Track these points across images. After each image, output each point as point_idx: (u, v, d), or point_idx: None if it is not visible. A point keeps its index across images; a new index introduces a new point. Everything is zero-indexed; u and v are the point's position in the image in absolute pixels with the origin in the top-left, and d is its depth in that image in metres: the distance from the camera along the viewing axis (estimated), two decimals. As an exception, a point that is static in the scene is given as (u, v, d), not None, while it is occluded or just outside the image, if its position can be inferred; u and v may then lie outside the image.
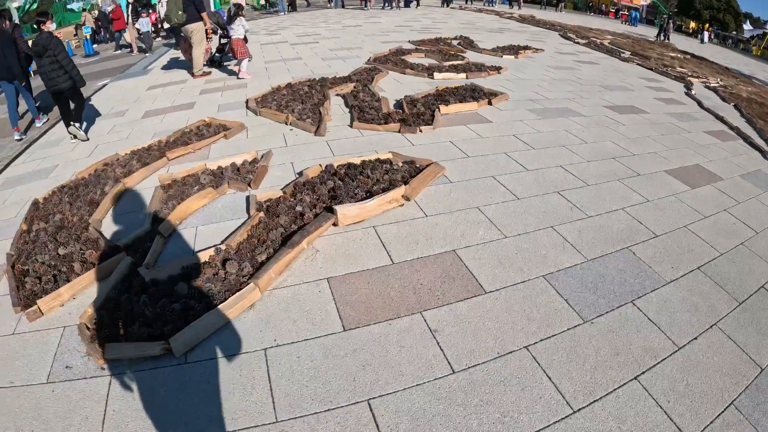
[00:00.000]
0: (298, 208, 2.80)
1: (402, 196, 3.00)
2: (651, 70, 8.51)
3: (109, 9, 13.64)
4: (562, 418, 1.64)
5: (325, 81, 6.00)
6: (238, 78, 6.75)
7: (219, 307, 2.02)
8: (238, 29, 6.38)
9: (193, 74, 7.15)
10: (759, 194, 3.67)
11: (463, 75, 6.57)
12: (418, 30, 11.96)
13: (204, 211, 2.96)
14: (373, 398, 1.69)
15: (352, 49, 9.01)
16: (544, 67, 7.77)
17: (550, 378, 1.80)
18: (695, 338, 2.07)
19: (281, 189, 3.12)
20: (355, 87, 5.73)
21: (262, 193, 3.03)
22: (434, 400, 1.68)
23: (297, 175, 3.42)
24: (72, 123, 4.68)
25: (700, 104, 6.31)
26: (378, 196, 2.89)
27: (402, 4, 19.36)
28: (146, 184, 3.41)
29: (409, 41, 9.73)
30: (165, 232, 2.68)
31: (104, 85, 7.47)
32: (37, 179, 3.88)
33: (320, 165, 3.39)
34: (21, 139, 5.23)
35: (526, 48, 9.26)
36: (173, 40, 10.46)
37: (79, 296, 2.25)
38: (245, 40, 6.57)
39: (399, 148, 3.91)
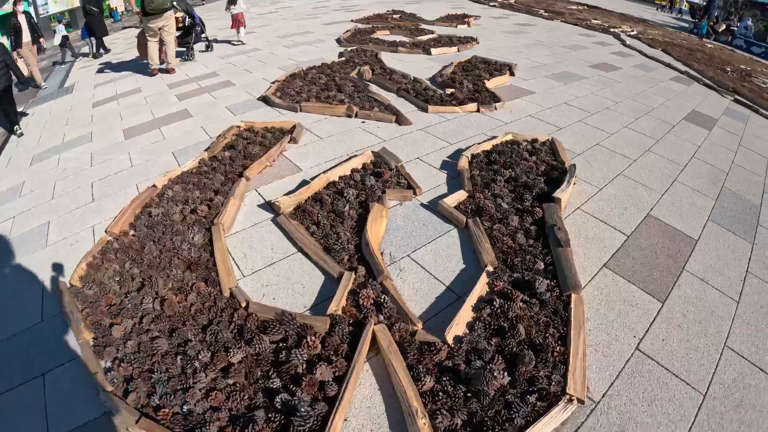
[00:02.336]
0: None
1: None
2: (577, 25, 9.63)
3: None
4: None
5: (332, 65, 5.38)
6: (234, 44, 7.65)
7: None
8: (240, 4, 7.55)
9: (166, 70, 6.13)
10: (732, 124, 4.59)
11: (455, 48, 6.54)
12: (344, 9, 11.31)
13: (396, 233, 2.47)
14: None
15: (305, 34, 8.21)
16: (501, 34, 8.17)
17: None
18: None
19: (465, 191, 2.75)
20: (374, 70, 5.24)
21: (449, 198, 2.65)
22: None
23: (450, 174, 3.07)
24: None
25: (642, 53, 7.40)
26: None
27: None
28: (251, 218, 2.62)
29: (352, 20, 9.22)
30: (378, 276, 2.08)
31: (23, 114, 5.75)
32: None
33: (467, 157, 3.11)
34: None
35: (467, 16, 9.57)
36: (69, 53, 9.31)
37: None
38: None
39: (497, 128, 3.80)
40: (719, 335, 1.94)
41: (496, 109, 4.19)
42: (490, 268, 2.16)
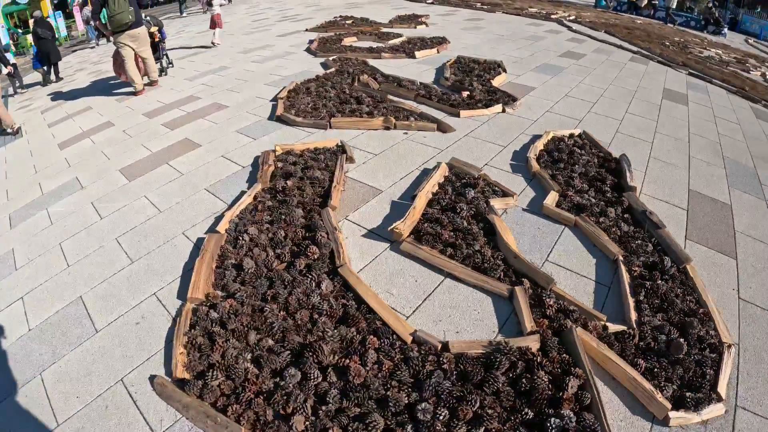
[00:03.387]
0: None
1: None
2: (519, 15, 10.32)
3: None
4: None
5: (328, 77, 5.22)
6: (211, 45, 8.21)
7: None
8: (217, 6, 8.19)
9: (136, 90, 5.73)
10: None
11: (434, 50, 6.68)
12: (288, 20, 10.87)
13: (522, 240, 2.51)
14: None
15: (266, 47, 7.77)
16: (461, 31, 8.50)
17: None
18: None
19: (555, 191, 2.88)
20: (375, 78, 5.18)
21: (548, 200, 2.77)
22: None
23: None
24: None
25: (592, 37, 8.18)
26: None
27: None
28: (366, 251, 2.48)
29: (306, 30, 8.95)
30: (548, 284, 2.17)
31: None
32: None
33: (533, 158, 3.26)
34: None
35: (417, 16, 9.78)
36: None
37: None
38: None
39: (530, 126, 4.02)
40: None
41: (516, 108, 4.41)
42: (620, 257, 2.34)
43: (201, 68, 6.78)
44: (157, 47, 6.34)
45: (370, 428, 1.51)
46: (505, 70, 5.59)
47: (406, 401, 1.60)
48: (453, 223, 2.52)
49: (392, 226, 2.49)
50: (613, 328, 1.94)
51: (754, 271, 2.39)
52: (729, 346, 1.87)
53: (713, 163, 3.70)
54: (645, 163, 3.39)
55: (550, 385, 1.66)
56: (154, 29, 6.14)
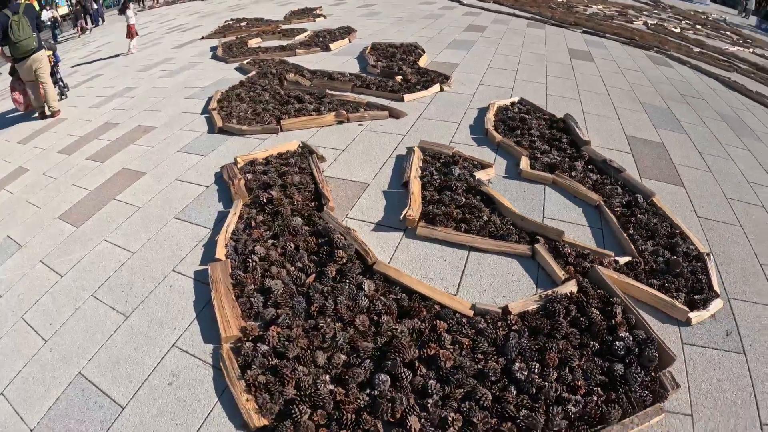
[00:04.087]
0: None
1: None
2: None
3: None
4: None
5: (254, 80, 4.90)
6: (129, 53, 8.07)
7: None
8: (132, 17, 8.19)
9: (44, 114, 5.24)
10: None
11: (346, 40, 6.64)
12: (177, 31, 9.77)
13: (515, 204, 2.72)
14: None
15: (168, 61, 6.94)
16: (361, 18, 8.57)
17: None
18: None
19: (525, 156, 3.17)
20: (304, 75, 4.99)
21: (522, 165, 3.03)
22: None
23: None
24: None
25: (483, 8, 8.86)
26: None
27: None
28: (384, 244, 2.48)
29: (203, 38, 8.22)
30: (558, 236, 2.47)
31: None
32: None
33: (491, 129, 3.51)
34: None
35: (311, 9, 9.60)
36: None
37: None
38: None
39: (471, 101, 4.29)
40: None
41: (451, 86, 4.64)
42: (601, 202, 2.69)
43: (103, 93, 5.80)
44: (53, 72, 5.54)
45: (482, 402, 1.56)
46: (423, 51, 5.82)
47: (500, 367, 1.68)
48: (454, 201, 2.62)
49: (403, 214, 2.51)
50: (621, 260, 2.25)
51: (700, 193, 2.94)
52: (707, 254, 2.31)
53: (635, 109, 4.34)
54: (582, 118, 3.87)
55: (601, 317, 1.88)
56: (48, 53, 5.32)
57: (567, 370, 1.70)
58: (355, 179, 3.05)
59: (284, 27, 8.06)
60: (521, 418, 1.54)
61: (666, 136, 3.70)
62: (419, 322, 1.88)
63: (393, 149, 3.41)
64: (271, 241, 2.41)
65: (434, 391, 1.61)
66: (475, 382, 1.64)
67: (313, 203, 2.73)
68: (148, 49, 8.30)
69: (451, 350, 1.74)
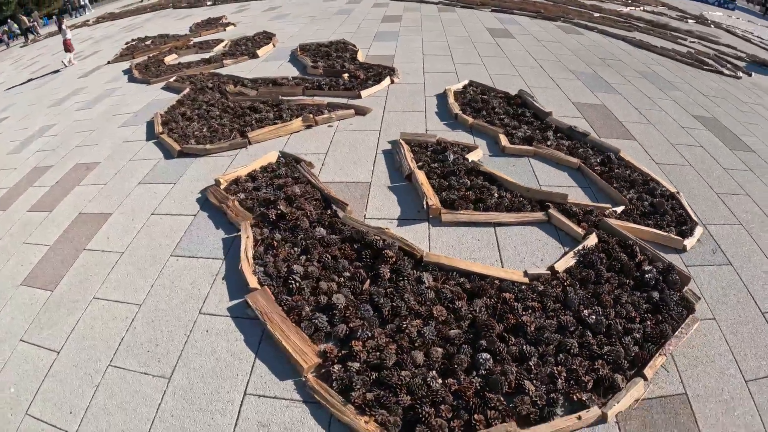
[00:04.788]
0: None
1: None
2: None
3: None
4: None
5: (193, 98, 4.49)
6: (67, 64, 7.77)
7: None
8: (67, 32, 7.86)
9: None
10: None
11: (270, 45, 6.37)
12: (77, 58, 8.27)
13: (510, 172, 2.93)
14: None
15: (83, 91, 5.99)
16: (272, 21, 8.23)
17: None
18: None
19: (502, 134, 3.41)
20: (246, 85, 4.69)
21: (503, 142, 3.26)
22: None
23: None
24: None
25: None
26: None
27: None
28: (414, 236, 2.54)
29: (109, 62, 7.23)
30: (563, 199, 2.73)
31: None
32: None
33: (460, 113, 3.70)
34: None
35: (217, 19, 9.01)
36: None
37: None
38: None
39: (424, 89, 4.44)
40: (662, 135, 3.54)
41: (399, 77, 4.74)
42: (581, 164, 3.03)
43: (17, 136, 4.80)
44: None
45: (572, 351, 1.75)
46: (356, 47, 5.83)
47: (573, 318, 1.87)
48: (463, 185, 2.75)
49: (426, 205, 2.58)
50: (618, 209, 2.59)
51: (650, 143, 3.45)
52: (678, 193, 2.75)
53: (569, 77, 4.85)
54: (529, 92, 4.25)
55: (627, 258, 2.18)
56: None
57: (620, 306, 1.95)
58: (353, 180, 3.01)
59: (196, 40, 7.44)
60: (606, 353, 1.75)
61: (604, 99, 4.26)
62: (488, 299, 1.98)
63: (375, 145, 3.42)
64: (303, 257, 2.30)
65: (531, 354, 1.73)
66: (559, 336, 1.80)
67: (327, 211, 2.64)
68: (50, 83, 7.01)
69: (529, 316, 1.88)
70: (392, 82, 4.62)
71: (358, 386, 1.66)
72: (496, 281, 2.08)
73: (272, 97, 4.32)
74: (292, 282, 2.12)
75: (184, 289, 2.27)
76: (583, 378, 1.65)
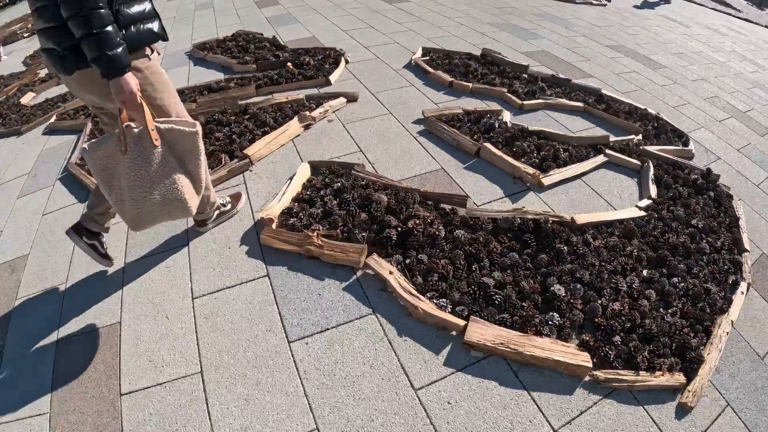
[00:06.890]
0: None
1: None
2: None
3: None
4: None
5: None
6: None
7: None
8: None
9: None
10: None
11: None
12: None
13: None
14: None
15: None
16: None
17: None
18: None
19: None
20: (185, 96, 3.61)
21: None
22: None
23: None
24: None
25: None
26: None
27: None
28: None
29: None
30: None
31: None
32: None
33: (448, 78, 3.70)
34: None
35: None
36: None
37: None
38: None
39: (393, 64, 4.25)
40: (610, 70, 4.28)
41: (350, 58, 4.35)
42: (585, 107, 3.48)
43: None
44: None
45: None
46: (262, 34, 5.06)
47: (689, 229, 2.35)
48: (528, 147, 2.87)
49: (527, 174, 2.62)
50: (639, 137, 3.13)
51: (607, 78, 4.11)
52: (658, 113, 3.45)
53: (495, 30, 5.22)
54: (478, 51, 4.44)
55: (682, 173, 2.75)
56: None
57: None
58: (423, 171, 2.79)
59: (45, 72, 5.18)
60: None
61: (540, 44, 4.80)
62: (637, 239, 2.27)
63: (404, 129, 3.20)
64: (475, 266, 2.06)
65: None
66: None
67: (435, 211, 2.42)
68: None
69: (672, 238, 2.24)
70: (347, 62, 4.24)
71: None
72: (626, 221, 2.35)
73: (228, 104, 3.49)
74: (497, 297, 1.93)
75: (394, 375, 1.76)
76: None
